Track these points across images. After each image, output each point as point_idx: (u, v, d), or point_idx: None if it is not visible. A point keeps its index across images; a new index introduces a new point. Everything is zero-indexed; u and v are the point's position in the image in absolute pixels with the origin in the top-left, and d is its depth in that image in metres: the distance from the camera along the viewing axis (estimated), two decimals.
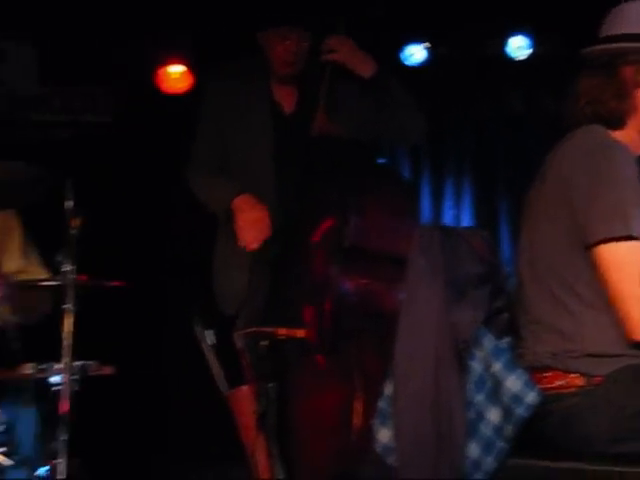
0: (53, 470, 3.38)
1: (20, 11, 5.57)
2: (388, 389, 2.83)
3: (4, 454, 3.38)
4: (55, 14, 5.60)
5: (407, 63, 5.92)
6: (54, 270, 3.58)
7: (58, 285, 3.50)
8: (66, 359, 3.42)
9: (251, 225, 3.95)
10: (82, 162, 5.44)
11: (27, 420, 3.80)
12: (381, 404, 2.84)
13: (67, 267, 3.45)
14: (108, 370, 3.72)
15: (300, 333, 3.72)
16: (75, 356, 3.46)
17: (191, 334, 3.99)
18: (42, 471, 3.45)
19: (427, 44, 5.91)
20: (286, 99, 4.21)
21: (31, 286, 3.77)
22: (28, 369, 3.59)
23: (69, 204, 3.47)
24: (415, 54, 5.93)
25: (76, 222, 3.44)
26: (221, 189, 4.11)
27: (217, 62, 4.73)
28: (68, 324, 3.43)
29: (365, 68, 4.03)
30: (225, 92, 4.20)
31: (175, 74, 5.94)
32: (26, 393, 3.83)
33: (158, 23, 5.59)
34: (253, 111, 4.17)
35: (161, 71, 5.93)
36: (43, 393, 3.68)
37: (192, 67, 5.90)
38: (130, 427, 5.50)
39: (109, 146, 5.91)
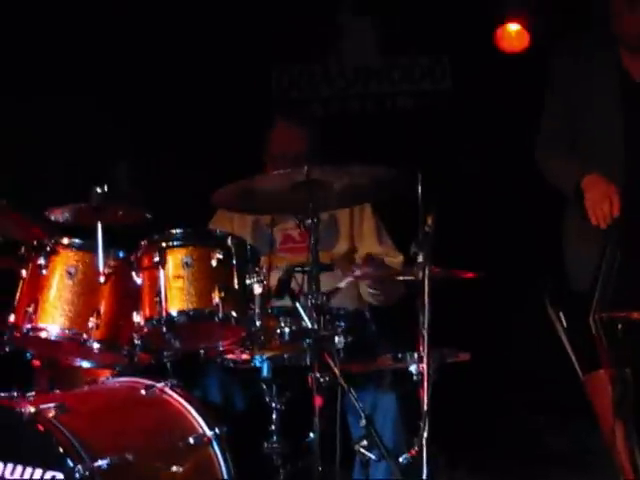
0: (414, 461, 3.42)
1: None
2: None
3: (365, 448, 3.45)
4: None
5: None
6: (409, 258, 3.63)
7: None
8: (424, 349, 3.43)
9: (601, 201, 3.84)
10: (426, 135, 5.49)
11: (386, 409, 3.90)
12: None
13: (422, 260, 3.48)
14: (464, 356, 3.74)
15: None
16: (431, 343, 3.48)
17: (545, 319, 3.95)
18: (403, 458, 3.47)
19: None
20: (636, 66, 4.05)
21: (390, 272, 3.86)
22: (387, 360, 3.67)
23: (421, 200, 3.49)
24: None
25: (430, 220, 3.46)
26: (569, 169, 4.03)
27: (560, 32, 4.61)
28: (425, 315, 3.45)
29: None
30: (571, 67, 4.10)
31: (513, 32, 5.85)
32: (385, 380, 3.94)
33: None
34: (601, 83, 4.04)
35: (500, 29, 5.86)
36: (401, 380, 3.75)
37: (527, 25, 5.79)
38: (483, 413, 5.55)
39: (451, 115, 5.95)
